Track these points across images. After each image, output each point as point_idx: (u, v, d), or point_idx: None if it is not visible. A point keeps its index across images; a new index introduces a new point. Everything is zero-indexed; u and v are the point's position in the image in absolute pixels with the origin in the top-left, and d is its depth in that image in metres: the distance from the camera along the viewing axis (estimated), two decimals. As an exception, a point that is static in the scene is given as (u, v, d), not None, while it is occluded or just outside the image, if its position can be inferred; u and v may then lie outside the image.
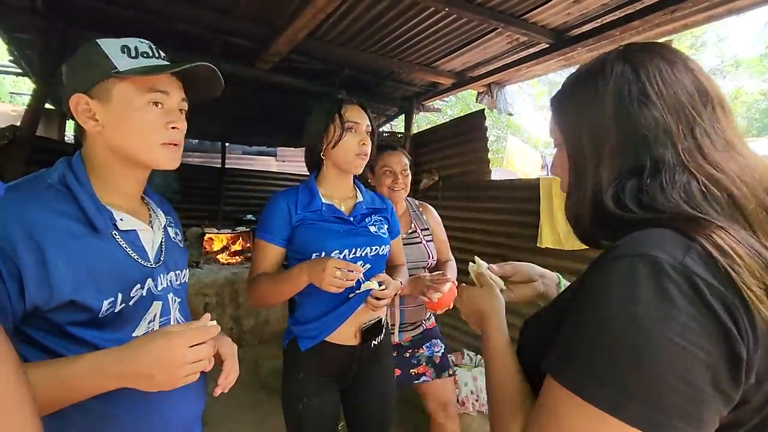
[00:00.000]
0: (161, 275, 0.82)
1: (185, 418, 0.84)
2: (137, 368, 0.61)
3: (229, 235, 4.65)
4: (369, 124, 1.28)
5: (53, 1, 2.37)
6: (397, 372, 1.64)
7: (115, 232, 0.76)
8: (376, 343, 1.31)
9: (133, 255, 0.77)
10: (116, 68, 0.73)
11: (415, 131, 4.04)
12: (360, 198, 1.34)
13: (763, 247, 0.45)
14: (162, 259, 0.83)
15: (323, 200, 1.26)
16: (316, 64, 3.14)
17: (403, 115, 4.20)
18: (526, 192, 2.68)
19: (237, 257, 4.52)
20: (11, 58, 3.40)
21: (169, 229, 0.91)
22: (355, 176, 1.37)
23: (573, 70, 0.62)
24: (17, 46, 3.06)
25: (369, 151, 1.27)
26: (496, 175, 3.23)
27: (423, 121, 9.01)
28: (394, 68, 3.26)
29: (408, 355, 1.74)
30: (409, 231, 1.76)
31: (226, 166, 6.14)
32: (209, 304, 3.64)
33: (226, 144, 6.35)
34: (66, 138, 4.85)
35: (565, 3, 2.24)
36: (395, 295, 1.30)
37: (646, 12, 2.14)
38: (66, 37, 2.49)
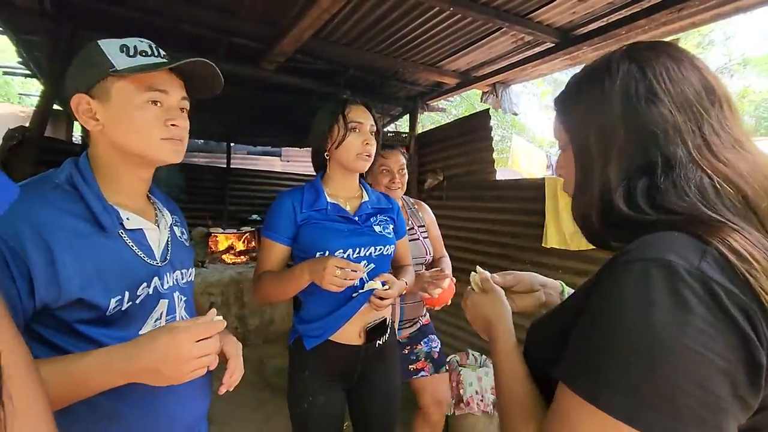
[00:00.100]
0: (167, 274, 0.82)
1: (190, 416, 0.85)
2: (144, 364, 0.61)
3: (234, 234, 4.68)
4: (373, 123, 1.29)
5: (61, 4, 2.39)
6: None
7: (121, 231, 0.76)
8: (380, 342, 1.32)
9: (139, 254, 0.78)
10: (114, 67, 0.73)
11: (419, 131, 4.03)
12: (366, 198, 1.34)
13: None
14: (168, 257, 0.84)
15: (329, 199, 1.27)
16: (320, 65, 3.14)
17: (408, 114, 4.19)
18: (531, 192, 2.67)
19: (242, 257, 4.54)
20: (20, 59, 3.44)
21: (175, 228, 0.92)
22: (361, 176, 1.37)
23: (578, 69, 0.61)
24: (26, 47, 3.10)
25: (373, 151, 1.27)
26: (501, 174, 3.21)
27: (428, 121, 9.00)
28: (398, 68, 3.25)
29: (407, 351, 1.77)
30: (407, 228, 1.78)
31: (231, 166, 6.17)
32: (214, 303, 3.67)
33: (231, 144, 6.38)
34: (74, 138, 4.90)
35: (571, 2, 2.22)
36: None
37: (652, 10, 2.12)
38: (74, 39, 2.51)
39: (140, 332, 0.76)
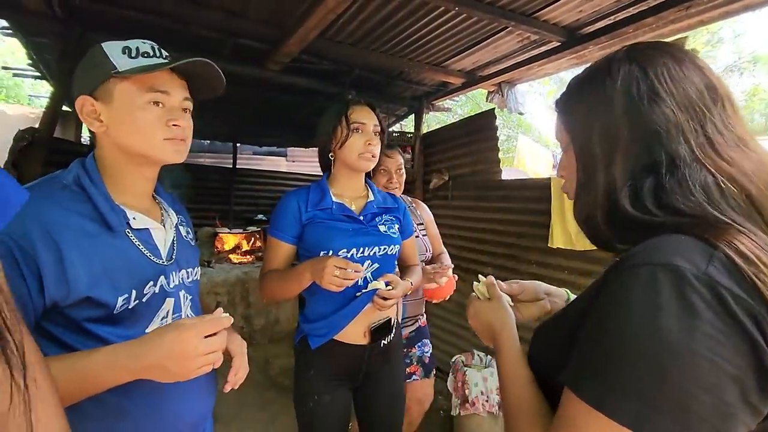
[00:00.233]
0: (173, 273, 0.83)
1: (196, 414, 0.85)
2: (151, 360, 0.62)
3: (240, 234, 4.70)
4: (377, 124, 1.29)
5: (70, 7, 2.42)
6: None
7: (128, 230, 0.77)
8: (385, 342, 1.32)
9: (146, 253, 0.78)
10: (116, 69, 0.74)
11: (425, 131, 4.03)
12: (371, 197, 1.35)
13: None
14: (174, 257, 0.85)
15: (334, 199, 1.28)
16: (326, 65, 3.15)
17: (413, 114, 4.19)
18: (537, 191, 2.66)
19: (248, 256, 4.56)
20: (30, 61, 3.49)
21: (181, 227, 0.93)
22: (367, 175, 1.38)
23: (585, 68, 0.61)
24: (36, 49, 3.14)
25: (376, 151, 1.28)
26: (506, 174, 3.20)
27: (433, 121, 8.99)
28: (404, 68, 3.25)
29: (402, 354, 1.78)
30: None
31: (237, 167, 6.20)
32: (220, 303, 3.69)
33: (237, 144, 6.41)
34: (82, 139, 4.96)
35: (577, 0, 2.21)
36: None
37: (659, 8, 2.10)
38: (82, 41, 2.54)
39: (147, 330, 0.77)
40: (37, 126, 2.51)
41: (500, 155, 3.12)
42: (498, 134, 3.13)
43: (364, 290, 1.22)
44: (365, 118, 1.27)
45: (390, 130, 4.36)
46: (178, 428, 0.81)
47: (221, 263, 4.32)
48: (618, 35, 2.34)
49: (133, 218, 0.79)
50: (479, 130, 3.24)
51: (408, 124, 5.48)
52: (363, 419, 1.40)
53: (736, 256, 0.41)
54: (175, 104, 0.80)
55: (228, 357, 0.84)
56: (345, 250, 1.21)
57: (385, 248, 1.28)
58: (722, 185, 0.47)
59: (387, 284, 1.21)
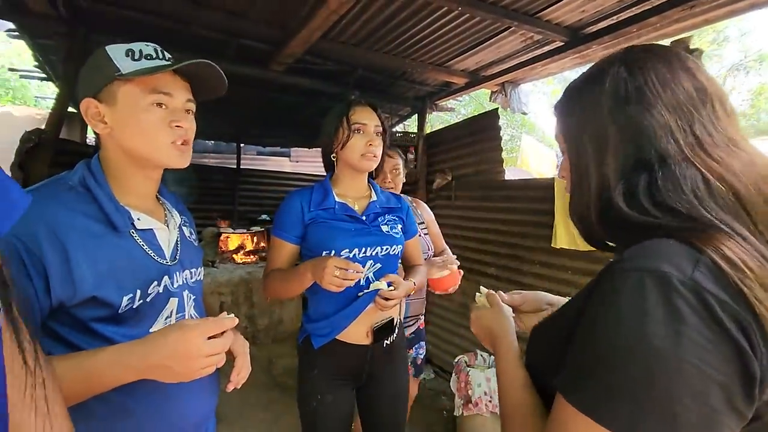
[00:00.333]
0: (177, 273, 0.84)
1: (198, 413, 0.86)
2: (155, 360, 0.63)
3: (244, 234, 4.72)
4: (378, 124, 1.30)
5: (75, 8, 2.44)
6: None
7: (133, 231, 0.78)
8: (388, 342, 1.32)
9: (150, 253, 0.79)
10: (120, 71, 0.75)
11: (428, 131, 4.02)
12: (374, 197, 1.35)
13: None
14: (178, 257, 0.86)
15: (337, 199, 1.29)
16: (329, 65, 3.15)
17: (417, 114, 4.19)
18: (541, 191, 2.65)
19: (252, 256, 4.58)
20: (36, 63, 3.52)
21: (184, 228, 0.93)
22: (370, 175, 1.39)
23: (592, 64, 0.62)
24: (42, 51, 3.16)
25: (378, 152, 1.29)
26: (510, 174, 3.19)
27: (436, 121, 8.98)
28: (407, 68, 3.25)
29: None
30: None
31: (241, 167, 6.22)
32: (224, 303, 3.70)
33: (241, 145, 6.44)
34: (87, 140, 4.99)
35: (580, 0, 2.20)
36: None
37: (663, 8, 2.08)
38: (87, 43, 2.56)
39: (151, 330, 0.78)
40: (43, 127, 2.53)
41: (504, 155, 3.12)
42: (501, 134, 3.13)
43: (366, 290, 1.22)
44: (366, 118, 1.28)
45: (393, 130, 4.36)
46: (181, 428, 0.82)
47: (225, 263, 4.34)
48: (621, 35, 2.33)
49: (138, 219, 0.79)
50: (482, 130, 3.23)
51: (411, 125, 5.48)
52: (366, 419, 1.40)
53: (723, 262, 0.42)
54: (178, 105, 0.81)
55: (230, 357, 0.84)
56: (347, 250, 1.22)
57: (387, 248, 1.29)
58: (711, 183, 0.48)
59: (389, 284, 1.21)
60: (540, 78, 3.42)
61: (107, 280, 0.71)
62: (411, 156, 3.85)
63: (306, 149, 8.05)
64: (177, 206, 0.96)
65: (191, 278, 0.89)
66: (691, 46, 1.98)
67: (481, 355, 2.58)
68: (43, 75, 3.82)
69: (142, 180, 0.83)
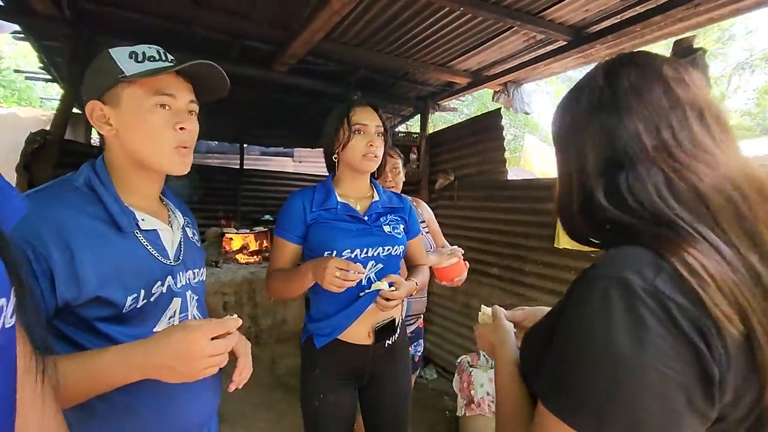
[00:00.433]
0: (180, 273, 0.84)
1: (201, 413, 0.87)
2: (158, 360, 0.63)
3: (247, 234, 4.74)
4: (380, 124, 1.30)
5: (80, 10, 2.46)
6: None
7: (137, 231, 0.79)
8: (390, 342, 1.32)
9: (154, 253, 0.80)
10: (123, 73, 0.76)
11: (431, 131, 4.02)
12: (376, 197, 1.36)
13: (737, 253, 0.45)
14: (181, 257, 0.86)
15: (339, 199, 1.29)
16: (331, 66, 3.16)
17: (419, 115, 4.19)
18: (544, 191, 2.65)
19: (255, 257, 4.60)
20: (41, 64, 3.55)
21: (187, 229, 0.94)
22: (372, 175, 1.39)
23: (592, 67, 0.64)
24: (47, 53, 3.19)
25: (379, 152, 1.29)
26: (513, 174, 3.18)
27: (439, 121, 8.97)
28: (409, 68, 3.25)
29: None
30: None
31: (244, 167, 6.24)
32: (227, 303, 3.72)
33: (244, 145, 6.46)
34: (92, 141, 5.02)
35: (583, -1, 2.20)
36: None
37: (667, 7, 2.07)
38: (91, 44, 2.58)
39: (154, 330, 0.78)
40: (48, 128, 2.55)
41: (507, 155, 3.11)
42: (504, 134, 3.12)
43: (367, 290, 1.23)
44: (367, 119, 1.28)
45: (396, 130, 4.36)
46: (184, 428, 0.83)
47: (228, 263, 4.36)
48: (625, 34, 2.32)
49: (142, 219, 0.80)
50: (485, 130, 3.23)
51: (414, 125, 5.48)
52: (368, 420, 1.41)
53: (683, 268, 0.44)
54: (181, 107, 0.81)
55: (232, 357, 0.85)
56: (349, 250, 1.22)
57: (389, 249, 1.29)
58: (673, 183, 0.50)
59: (390, 285, 1.21)
60: (543, 78, 3.41)
61: (112, 280, 0.71)
62: (414, 156, 3.85)
63: (309, 149, 8.06)
64: (180, 207, 0.96)
65: (194, 279, 0.90)
66: (695, 45, 1.97)
67: (484, 356, 2.57)
68: (48, 76, 3.85)
69: (145, 181, 0.84)
